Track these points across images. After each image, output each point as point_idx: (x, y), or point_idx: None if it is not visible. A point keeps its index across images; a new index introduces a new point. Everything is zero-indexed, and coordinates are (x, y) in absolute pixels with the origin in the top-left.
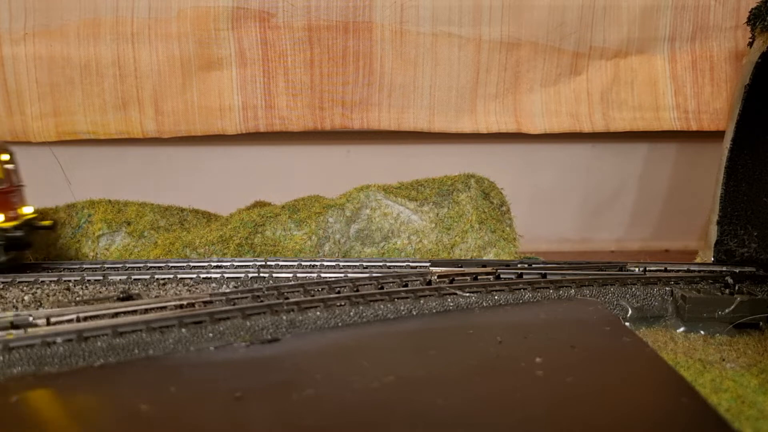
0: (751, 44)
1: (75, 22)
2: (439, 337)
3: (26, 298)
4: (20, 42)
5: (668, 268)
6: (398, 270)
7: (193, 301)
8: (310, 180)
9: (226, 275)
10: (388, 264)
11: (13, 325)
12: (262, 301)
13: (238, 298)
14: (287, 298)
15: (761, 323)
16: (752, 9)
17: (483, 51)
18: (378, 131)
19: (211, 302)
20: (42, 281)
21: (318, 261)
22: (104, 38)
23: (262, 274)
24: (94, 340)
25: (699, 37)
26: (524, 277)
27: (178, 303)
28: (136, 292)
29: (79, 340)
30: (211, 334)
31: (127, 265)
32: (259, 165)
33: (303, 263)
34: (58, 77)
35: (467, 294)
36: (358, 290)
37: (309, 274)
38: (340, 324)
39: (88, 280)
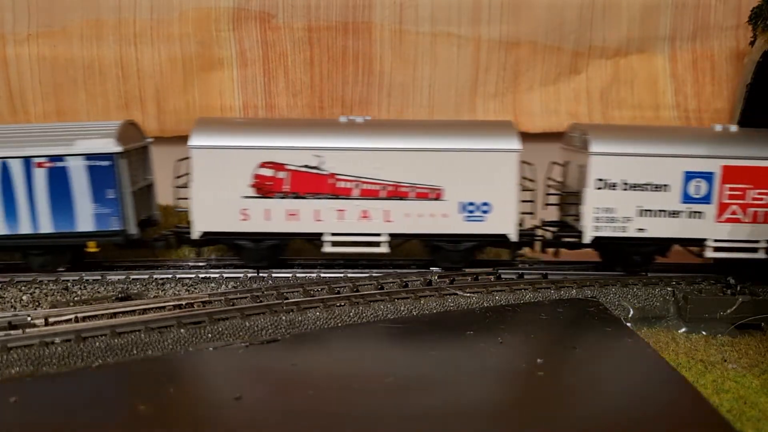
0: (752, 43)
1: (78, 23)
2: (439, 337)
3: (24, 297)
4: (24, 43)
5: (670, 269)
6: (398, 269)
7: (192, 301)
8: None
9: (225, 275)
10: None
11: (11, 325)
12: (261, 302)
13: (237, 299)
14: (286, 299)
15: (763, 324)
16: (753, 8)
17: (482, 50)
18: None
19: (210, 302)
20: (40, 281)
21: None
22: (107, 39)
23: (261, 274)
24: (92, 341)
25: (700, 35)
26: (525, 277)
27: (176, 303)
28: (135, 292)
29: (77, 340)
30: (210, 335)
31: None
32: None
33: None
34: (62, 77)
35: (468, 294)
36: (357, 290)
37: (308, 274)
38: (339, 324)
39: (87, 280)
